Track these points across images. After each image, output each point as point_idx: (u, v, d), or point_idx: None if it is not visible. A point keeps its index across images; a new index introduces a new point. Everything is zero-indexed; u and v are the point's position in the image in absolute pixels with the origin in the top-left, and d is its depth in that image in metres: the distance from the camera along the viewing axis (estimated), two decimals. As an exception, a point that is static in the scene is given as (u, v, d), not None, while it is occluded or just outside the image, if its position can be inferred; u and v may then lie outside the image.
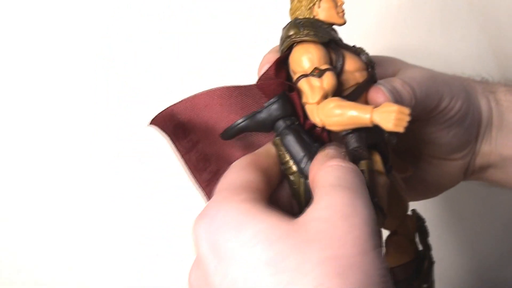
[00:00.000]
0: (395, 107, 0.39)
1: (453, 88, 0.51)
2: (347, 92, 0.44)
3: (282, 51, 0.44)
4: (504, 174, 0.56)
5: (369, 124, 0.40)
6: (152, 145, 0.73)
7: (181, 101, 0.44)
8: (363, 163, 0.41)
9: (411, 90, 0.47)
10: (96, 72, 0.72)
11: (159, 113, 0.44)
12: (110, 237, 0.76)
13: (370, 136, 0.43)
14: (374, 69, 0.46)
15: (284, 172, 0.42)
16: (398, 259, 0.49)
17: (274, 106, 0.42)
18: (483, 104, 0.54)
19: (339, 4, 0.44)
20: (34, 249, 0.76)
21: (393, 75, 0.51)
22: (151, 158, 0.74)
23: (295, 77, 0.43)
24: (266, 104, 0.42)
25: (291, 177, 0.42)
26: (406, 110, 0.39)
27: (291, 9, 0.45)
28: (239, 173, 0.39)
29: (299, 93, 0.43)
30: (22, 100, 0.72)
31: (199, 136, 0.45)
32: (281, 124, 0.42)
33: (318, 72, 0.42)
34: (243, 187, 0.37)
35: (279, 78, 0.44)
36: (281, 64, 0.45)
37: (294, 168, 0.42)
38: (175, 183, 0.74)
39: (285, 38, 0.44)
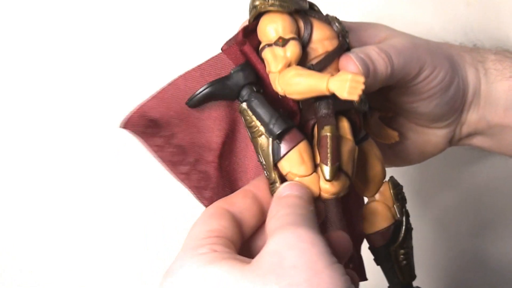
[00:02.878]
0: (349, 75, 0.39)
1: (436, 58, 0.50)
2: (316, 61, 0.44)
3: (249, 21, 0.45)
4: (492, 141, 0.56)
5: (326, 93, 0.40)
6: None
7: (149, 98, 0.45)
8: (327, 128, 0.42)
9: (388, 58, 0.46)
10: (96, 70, 0.73)
11: (128, 115, 0.45)
12: (109, 237, 0.77)
13: (339, 103, 0.43)
14: (346, 38, 0.46)
15: (251, 137, 0.43)
16: (376, 226, 0.49)
17: (240, 73, 0.43)
18: (470, 74, 0.54)
19: None
20: (33, 249, 0.76)
21: (378, 42, 0.50)
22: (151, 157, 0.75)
23: (260, 46, 0.44)
24: (232, 71, 0.43)
25: (259, 139, 0.43)
26: (361, 78, 0.39)
27: None
28: (205, 222, 0.41)
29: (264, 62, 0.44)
30: (21, 100, 0.72)
31: (172, 130, 0.45)
32: (247, 90, 0.43)
33: (282, 41, 0.42)
34: (206, 238, 0.39)
35: (250, 47, 0.45)
36: (250, 33, 0.45)
37: (262, 129, 0.42)
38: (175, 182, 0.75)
39: (251, 8, 0.44)
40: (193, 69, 0.44)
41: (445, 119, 0.54)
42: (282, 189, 0.42)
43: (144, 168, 0.75)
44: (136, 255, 0.78)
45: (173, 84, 0.44)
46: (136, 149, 0.72)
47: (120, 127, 0.44)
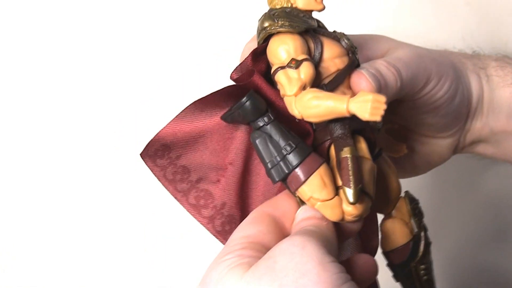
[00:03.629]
0: (370, 96, 0.39)
1: (442, 67, 0.50)
2: (328, 80, 0.43)
3: (258, 43, 0.44)
4: (495, 148, 0.56)
5: (346, 114, 0.40)
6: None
7: (167, 125, 0.45)
8: (346, 150, 0.41)
9: (397, 72, 0.46)
10: (95, 70, 0.72)
11: (149, 143, 0.45)
12: (109, 237, 0.77)
13: (354, 122, 0.42)
14: (356, 54, 0.45)
15: None
16: (394, 243, 0.49)
17: (245, 108, 0.42)
18: (473, 81, 0.53)
19: None
20: (33, 249, 0.76)
21: (382, 55, 0.50)
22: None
23: (272, 69, 0.42)
24: (234, 107, 0.42)
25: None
26: (382, 98, 0.39)
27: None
28: (243, 228, 0.42)
29: (277, 85, 0.43)
30: (21, 101, 0.72)
31: (179, 152, 0.45)
32: (255, 124, 0.42)
33: (295, 63, 0.41)
34: (238, 244, 0.40)
35: (258, 70, 0.44)
36: (260, 55, 0.44)
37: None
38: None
39: (260, 30, 0.43)
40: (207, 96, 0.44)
41: (451, 128, 0.53)
42: (296, 216, 0.43)
43: (143, 167, 0.74)
44: (135, 255, 0.78)
45: (189, 109, 0.44)
46: (135, 149, 0.74)
47: (142, 155, 0.45)
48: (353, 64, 0.45)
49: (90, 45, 0.72)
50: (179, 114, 0.44)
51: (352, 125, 0.43)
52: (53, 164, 0.74)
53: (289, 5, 0.43)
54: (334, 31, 0.45)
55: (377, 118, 0.39)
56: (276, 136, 0.42)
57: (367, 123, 0.43)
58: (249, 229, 0.41)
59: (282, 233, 0.42)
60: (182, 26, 0.72)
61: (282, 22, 0.42)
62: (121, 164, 0.74)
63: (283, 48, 0.42)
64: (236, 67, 0.44)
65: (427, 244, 0.49)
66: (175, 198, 0.46)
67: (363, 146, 0.44)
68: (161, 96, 0.74)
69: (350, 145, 0.41)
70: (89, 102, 0.73)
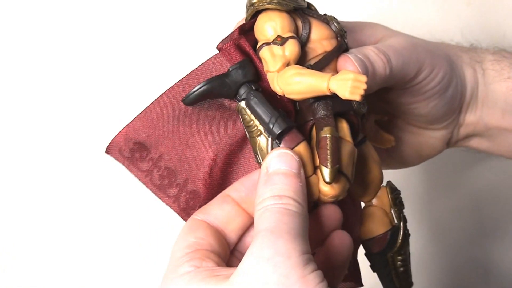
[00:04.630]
0: (351, 75, 0.38)
1: (435, 58, 0.49)
2: (314, 61, 0.43)
3: (246, 19, 0.44)
4: (489, 143, 0.55)
5: (327, 92, 0.39)
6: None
7: (134, 119, 0.44)
8: (326, 130, 0.41)
9: (386, 59, 0.45)
10: (93, 70, 0.72)
11: (112, 140, 0.44)
12: (109, 237, 0.77)
13: (338, 104, 0.42)
14: (345, 38, 0.45)
15: (249, 136, 0.42)
16: (373, 231, 0.48)
17: (239, 71, 0.42)
18: (468, 75, 0.53)
19: None
20: (33, 249, 0.76)
21: (376, 42, 0.49)
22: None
23: (258, 45, 0.42)
24: (230, 68, 0.42)
25: (258, 139, 0.42)
26: (363, 78, 0.38)
27: None
28: (182, 238, 0.41)
29: (261, 61, 0.43)
30: (20, 101, 0.72)
31: (160, 151, 0.45)
32: (245, 88, 0.42)
33: (280, 40, 0.41)
34: (184, 255, 0.39)
35: (247, 41, 0.44)
36: (247, 32, 0.44)
37: (261, 128, 0.41)
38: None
39: (248, 6, 0.43)
40: (181, 81, 0.43)
41: (443, 120, 0.52)
42: (270, 160, 0.40)
43: None
44: (132, 251, 0.77)
45: (157, 102, 0.44)
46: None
47: (106, 152, 0.44)
48: (341, 48, 0.44)
49: (89, 45, 0.72)
50: (146, 108, 0.44)
51: (336, 107, 0.42)
52: (51, 164, 0.74)
53: None
54: (325, 14, 0.45)
55: (356, 97, 0.38)
56: (259, 107, 0.41)
57: (350, 106, 0.43)
58: (187, 238, 0.41)
59: (222, 237, 0.42)
60: (182, 24, 0.73)
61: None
62: (115, 162, 0.74)
63: (269, 25, 0.42)
64: (223, 39, 0.44)
65: (406, 235, 0.49)
66: (139, 179, 0.45)
67: (345, 128, 0.43)
68: (158, 93, 0.74)
69: (330, 125, 0.41)
70: (88, 102, 0.73)
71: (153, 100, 0.44)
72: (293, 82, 0.40)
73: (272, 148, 0.41)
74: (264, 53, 0.42)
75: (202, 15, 0.72)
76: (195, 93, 0.42)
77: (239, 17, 0.70)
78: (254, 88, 0.42)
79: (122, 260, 0.77)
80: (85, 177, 0.75)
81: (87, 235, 0.76)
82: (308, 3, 0.45)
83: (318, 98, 0.42)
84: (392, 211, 0.48)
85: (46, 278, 0.76)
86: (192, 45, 0.72)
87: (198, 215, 0.42)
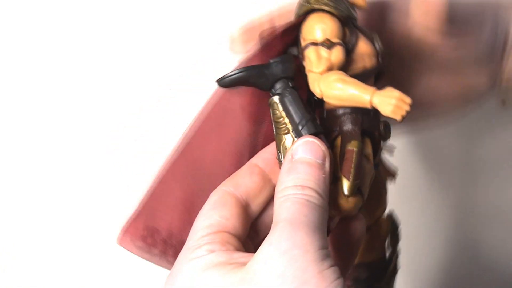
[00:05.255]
0: (397, 93, 0.38)
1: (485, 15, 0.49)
2: (352, 73, 0.43)
3: (297, 14, 0.44)
4: None
5: (368, 105, 0.39)
6: (151, 144, 0.74)
7: (140, 206, 0.44)
8: (354, 143, 0.41)
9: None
10: (91, 70, 0.72)
11: (124, 231, 0.44)
12: (109, 237, 0.76)
13: (367, 122, 0.42)
14: (384, 60, 0.45)
15: (276, 132, 0.42)
16: (364, 256, 0.48)
17: (280, 65, 0.42)
18: None
19: None
20: (33, 249, 0.76)
21: None
22: (151, 157, 0.74)
23: (303, 43, 0.43)
24: (272, 61, 0.42)
25: (284, 137, 0.41)
26: (408, 100, 0.38)
27: None
28: (207, 214, 0.40)
29: (303, 61, 0.43)
30: (20, 101, 0.72)
31: (171, 227, 0.44)
32: (282, 83, 0.42)
33: (328, 44, 0.41)
34: (205, 236, 0.39)
35: (284, 42, 0.44)
36: (290, 28, 0.44)
37: (289, 127, 0.41)
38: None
39: (303, 2, 0.43)
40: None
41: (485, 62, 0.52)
42: (296, 148, 0.40)
43: (140, 166, 0.74)
44: (135, 256, 0.77)
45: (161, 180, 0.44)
46: (132, 148, 0.74)
47: (119, 244, 0.44)
48: (379, 68, 0.45)
49: (88, 44, 0.72)
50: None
51: (364, 124, 0.42)
52: (52, 164, 0.74)
53: None
54: (370, 31, 0.45)
55: (398, 117, 0.38)
56: (292, 106, 0.41)
57: (378, 128, 0.44)
58: (211, 216, 0.40)
59: (247, 214, 0.41)
60: (182, 22, 0.72)
61: (328, 1, 0.42)
62: (115, 162, 0.74)
63: (320, 27, 0.42)
64: (263, 32, 0.44)
65: (395, 269, 0.48)
66: (155, 263, 0.44)
67: (369, 147, 0.43)
68: (159, 94, 0.74)
69: (358, 140, 0.41)
70: (87, 101, 0.73)
71: (156, 179, 0.44)
72: (335, 87, 0.40)
73: None
74: (310, 52, 0.42)
75: (202, 15, 0.72)
76: (232, 77, 0.42)
77: (239, 17, 0.69)
78: (291, 85, 0.42)
79: (122, 260, 0.76)
80: (86, 177, 0.74)
81: (88, 235, 0.76)
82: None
83: (349, 111, 0.42)
84: (388, 242, 0.48)
85: (46, 278, 0.76)
86: (193, 45, 0.72)
87: (228, 186, 0.41)
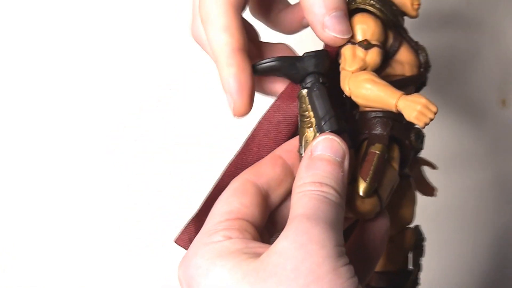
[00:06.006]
0: (423, 100, 0.38)
1: None
2: (389, 79, 0.42)
3: None
4: None
5: (393, 108, 0.39)
6: (151, 144, 0.73)
7: (203, 206, 0.43)
8: (378, 146, 0.41)
9: None
10: (93, 71, 0.72)
11: (183, 231, 0.43)
12: (109, 237, 0.76)
13: (397, 129, 0.42)
14: (427, 71, 0.45)
15: (300, 125, 0.42)
16: (385, 266, 0.47)
17: (313, 60, 0.42)
18: None
19: None
20: (33, 249, 0.75)
21: None
22: (151, 157, 0.74)
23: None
24: (305, 54, 0.42)
25: (307, 130, 0.41)
26: (434, 108, 0.38)
27: None
28: (227, 199, 0.40)
29: (340, 57, 0.43)
30: (20, 101, 0.72)
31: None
32: (313, 78, 0.42)
33: (366, 44, 0.41)
34: (224, 221, 0.38)
35: None
36: None
37: (313, 121, 0.41)
38: (175, 183, 0.74)
39: (351, 1, 0.43)
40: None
41: None
42: (316, 145, 0.40)
43: (139, 166, 0.74)
44: (135, 256, 0.77)
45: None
46: (131, 148, 0.74)
47: (176, 242, 0.43)
48: (419, 79, 0.44)
49: (89, 45, 0.72)
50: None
51: (394, 130, 0.42)
52: (52, 164, 0.73)
53: None
54: (417, 42, 0.45)
55: (421, 123, 0.39)
56: (318, 101, 0.41)
57: (408, 136, 0.43)
58: (231, 202, 0.39)
59: (267, 204, 0.41)
60: (183, 23, 0.71)
61: (374, 3, 0.42)
62: (116, 162, 0.74)
63: (361, 27, 0.42)
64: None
65: (415, 283, 0.48)
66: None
67: (395, 154, 0.43)
68: (159, 94, 0.74)
69: (383, 144, 0.41)
70: (87, 101, 0.73)
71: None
72: (363, 87, 0.40)
73: None
74: (346, 50, 0.42)
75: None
76: (264, 65, 0.42)
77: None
78: (321, 80, 0.42)
79: (122, 260, 0.76)
80: (86, 177, 0.74)
81: (88, 235, 0.75)
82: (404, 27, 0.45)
83: (380, 115, 0.42)
84: (410, 255, 0.48)
85: (46, 278, 0.75)
86: (193, 45, 0.71)
87: (249, 174, 0.41)
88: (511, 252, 0.84)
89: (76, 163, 0.74)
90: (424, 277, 0.50)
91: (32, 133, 0.72)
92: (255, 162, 0.43)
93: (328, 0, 0.41)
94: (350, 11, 0.43)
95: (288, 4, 0.47)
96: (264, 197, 0.40)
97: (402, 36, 0.44)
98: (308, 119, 0.41)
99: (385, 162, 0.41)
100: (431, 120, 0.39)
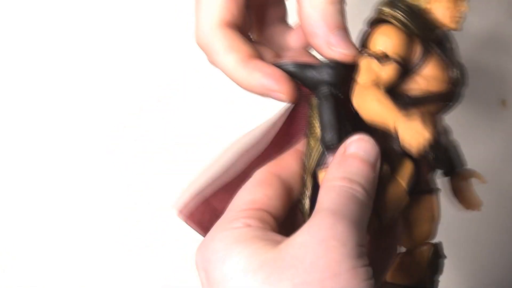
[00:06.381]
0: (419, 126, 0.38)
1: None
2: (414, 93, 0.42)
3: (368, 22, 0.42)
4: None
5: (391, 129, 0.39)
6: (151, 144, 0.73)
7: (211, 183, 0.43)
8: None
9: None
10: (93, 71, 0.72)
11: (185, 203, 0.43)
12: (109, 237, 0.76)
13: None
14: (458, 89, 0.43)
15: (307, 132, 0.41)
16: (396, 277, 0.46)
17: (329, 70, 0.41)
18: None
19: (460, 9, 0.41)
20: (33, 249, 0.75)
21: None
22: (151, 157, 0.74)
23: (362, 50, 0.41)
24: (322, 63, 0.41)
25: (311, 141, 0.41)
26: (427, 135, 0.38)
27: None
28: (251, 189, 0.39)
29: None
30: (20, 100, 0.72)
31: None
32: (326, 88, 0.41)
33: (383, 58, 0.40)
34: (246, 210, 0.38)
35: None
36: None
37: (318, 133, 0.41)
38: (175, 183, 0.74)
39: (376, 11, 0.42)
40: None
41: None
42: (350, 143, 0.39)
43: (139, 166, 0.74)
44: (135, 256, 0.77)
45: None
46: (131, 148, 0.74)
47: (178, 215, 0.43)
48: (447, 96, 0.43)
49: (89, 45, 0.72)
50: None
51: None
52: (52, 164, 0.73)
53: (424, 5, 0.41)
54: (455, 56, 0.43)
55: (413, 150, 0.38)
56: (326, 112, 0.40)
57: (425, 156, 0.41)
58: (255, 192, 0.39)
59: (289, 198, 0.40)
60: (183, 22, 0.71)
61: (399, 16, 0.40)
62: (116, 162, 0.74)
63: (383, 40, 0.40)
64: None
65: None
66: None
67: (406, 170, 0.42)
68: (159, 94, 0.74)
69: (386, 162, 0.40)
70: (88, 101, 0.73)
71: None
72: (368, 102, 0.40)
73: (320, 156, 0.40)
74: (362, 62, 0.41)
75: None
76: (281, 68, 0.41)
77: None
78: (334, 92, 0.41)
79: (122, 260, 0.76)
80: (86, 177, 0.74)
81: (88, 235, 0.75)
82: (445, 38, 0.43)
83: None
84: (426, 271, 0.46)
85: (46, 278, 0.75)
86: (193, 45, 0.71)
87: (274, 168, 0.41)
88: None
89: (76, 163, 0.74)
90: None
91: (32, 133, 0.73)
92: (274, 150, 0.42)
93: (330, 19, 0.41)
94: (375, 20, 0.42)
95: (283, 22, 0.48)
96: (287, 190, 0.40)
97: (432, 49, 0.42)
98: (314, 128, 0.41)
99: (384, 178, 0.40)
100: (425, 148, 0.38)
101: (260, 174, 0.40)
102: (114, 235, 0.76)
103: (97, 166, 0.74)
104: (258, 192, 0.39)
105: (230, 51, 0.41)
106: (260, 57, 0.42)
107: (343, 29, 0.41)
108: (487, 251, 0.84)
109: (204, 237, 0.41)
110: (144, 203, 0.75)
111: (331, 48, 0.41)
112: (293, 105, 0.43)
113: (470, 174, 0.48)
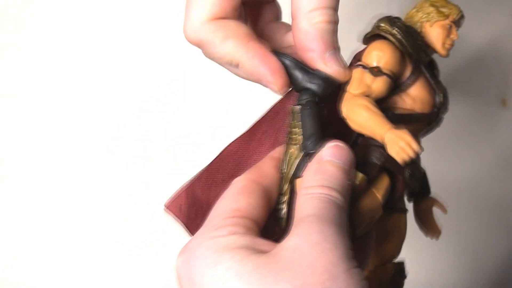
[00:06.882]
0: (408, 138, 0.39)
1: None
2: (399, 111, 0.43)
3: (365, 36, 0.44)
4: None
5: (380, 140, 0.40)
6: (151, 144, 0.73)
7: (197, 177, 0.43)
8: (359, 176, 0.40)
9: None
10: (93, 71, 0.72)
11: (173, 197, 0.44)
12: (109, 237, 0.76)
13: (391, 162, 0.41)
14: (441, 114, 0.44)
15: (287, 141, 0.42)
16: None
17: (319, 81, 0.41)
18: None
19: (451, 37, 0.44)
20: (33, 249, 0.75)
21: None
22: (151, 157, 0.74)
23: (355, 62, 0.42)
24: (315, 71, 0.42)
25: (293, 147, 0.41)
26: (416, 147, 0.39)
27: (407, 14, 0.45)
28: (234, 197, 0.40)
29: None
30: (20, 100, 0.72)
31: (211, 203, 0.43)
32: (309, 96, 0.41)
33: (376, 71, 0.41)
34: (231, 217, 0.38)
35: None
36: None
37: (299, 139, 0.41)
38: (176, 183, 0.74)
39: (376, 24, 0.43)
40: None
41: None
42: (326, 151, 0.40)
43: (139, 166, 0.74)
44: (135, 256, 0.77)
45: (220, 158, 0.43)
46: (131, 148, 0.74)
47: (166, 208, 0.44)
48: (430, 118, 0.44)
49: (89, 45, 0.72)
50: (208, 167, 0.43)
51: (388, 162, 0.42)
52: (53, 164, 0.73)
53: (420, 29, 0.44)
54: (440, 82, 0.45)
55: (399, 159, 0.39)
56: (308, 120, 0.41)
57: (402, 171, 0.43)
58: (239, 200, 0.39)
59: (269, 205, 0.41)
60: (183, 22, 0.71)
61: (396, 33, 0.42)
62: (116, 161, 0.74)
63: (377, 54, 0.42)
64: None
65: None
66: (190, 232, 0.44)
67: (382, 184, 0.43)
68: (159, 94, 0.74)
69: (366, 174, 0.41)
70: (88, 101, 0.73)
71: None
72: (357, 112, 0.41)
73: (299, 163, 0.41)
74: (355, 73, 0.42)
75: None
76: (277, 57, 0.42)
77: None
78: (316, 100, 0.42)
79: (122, 260, 0.76)
80: (86, 177, 0.74)
81: (88, 235, 0.75)
82: (434, 63, 0.45)
83: (378, 144, 0.41)
84: None
85: (46, 278, 0.75)
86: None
87: (255, 175, 0.41)
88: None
89: (76, 163, 0.74)
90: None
91: (32, 133, 0.73)
92: (256, 148, 0.43)
93: (326, 38, 0.42)
94: (372, 35, 0.43)
95: (278, 20, 0.48)
96: (268, 198, 0.41)
97: (421, 71, 0.44)
98: (296, 136, 0.41)
99: (361, 188, 0.41)
100: (411, 158, 0.39)
101: (241, 182, 0.41)
102: (114, 235, 0.76)
103: (97, 166, 0.74)
104: (242, 200, 0.39)
105: (227, 39, 0.42)
106: (257, 39, 0.42)
107: (337, 49, 0.42)
108: (487, 251, 0.84)
109: (187, 229, 0.42)
110: (144, 203, 0.75)
111: (327, 65, 0.42)
112: (278, 103, 0.43)
113: (434, 202, 0.50)
